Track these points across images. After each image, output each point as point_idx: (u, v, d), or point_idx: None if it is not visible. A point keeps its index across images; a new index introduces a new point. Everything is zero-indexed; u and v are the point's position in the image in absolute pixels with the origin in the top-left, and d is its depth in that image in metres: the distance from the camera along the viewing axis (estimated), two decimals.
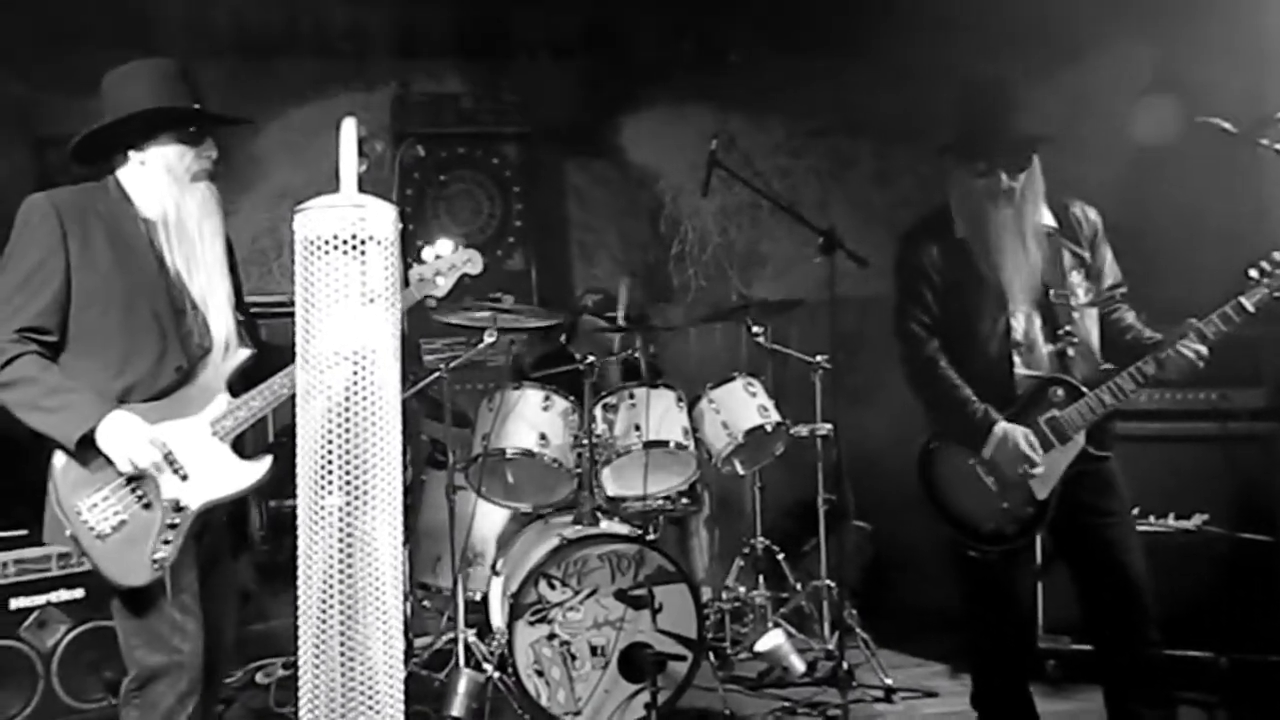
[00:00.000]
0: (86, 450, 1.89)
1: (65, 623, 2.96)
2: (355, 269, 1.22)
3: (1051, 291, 2.29)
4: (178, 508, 1.93)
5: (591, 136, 4.86)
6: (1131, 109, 2.23)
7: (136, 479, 1.92)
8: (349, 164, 1.30)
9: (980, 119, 2.30)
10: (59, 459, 1.92)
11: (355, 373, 1.21)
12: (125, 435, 1.89)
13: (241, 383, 2.03)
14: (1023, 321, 2.31)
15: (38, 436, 1.90)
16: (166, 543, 1.91)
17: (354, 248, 1.21)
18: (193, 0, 4.39)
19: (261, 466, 2.01)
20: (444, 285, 2.26)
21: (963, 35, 4.14)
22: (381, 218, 1.23)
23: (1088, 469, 2.28)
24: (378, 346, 1.22)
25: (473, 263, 2.32)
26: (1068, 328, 2.30)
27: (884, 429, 3.75)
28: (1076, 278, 2.33)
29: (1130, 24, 3.18)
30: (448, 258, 2.27)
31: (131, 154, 2.02)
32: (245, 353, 2.05)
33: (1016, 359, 2.30)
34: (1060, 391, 2.28)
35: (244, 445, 2.02)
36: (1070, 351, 2.29)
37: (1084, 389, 2.26)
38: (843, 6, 4.64)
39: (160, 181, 2.00)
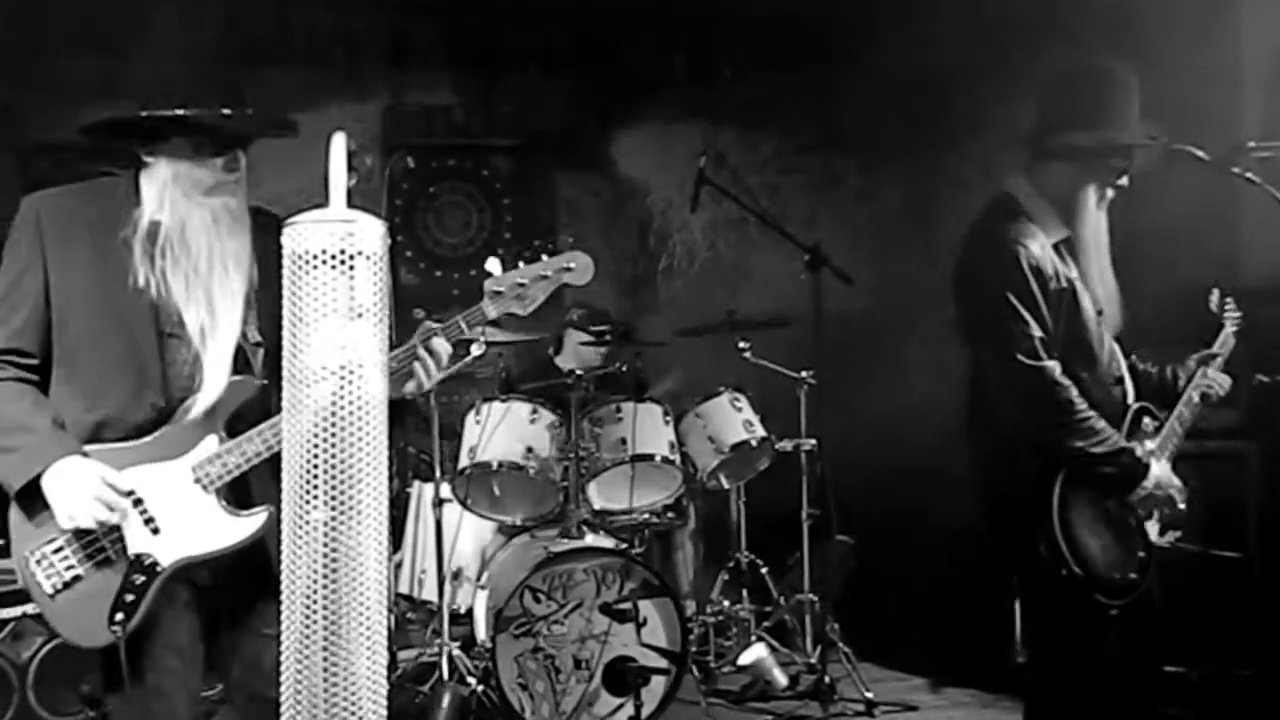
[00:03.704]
0: (33, 498, 1.68)
1: (41, 635, 2.93)
2: (343, 284, 1.23)
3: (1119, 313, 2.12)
4: (144, 565, 1.69)
5: (582, 149, 4.89)
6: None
7: (95, 530, 1.69)
8: (338, 178, 1.31)
9: (1108, 113, 2.01)
10: (14, 505, 1.71)
11: (341, 387, 1.21)
12: (71, 486, 1.65)
13: (259, 419, 1.73)
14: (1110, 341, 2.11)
15: None
16: (130, 603, 1.67)
17: (342, 263, 1.21)
18: (183, 7, 4.40)
19: (253, 523, 1.71)
20: (532, 300, 1.87)
21: (948, 55, 4.20)
22: (370, 232, 1.24)
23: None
24: (364, 361, 1.23)
25: (577, 270, 1.88)
26: (1132, 354, 2.16)
27: (867, 444, 3.78)
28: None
29: (1107, 47, 3.24)
30: (536, 266, 1.87)
31: (141, 153, 1.79)
32: (244, 383, 1.75)
33: (1128, 385, 2.11)
34: (1150, 422, 2.11)
35: (250, 491, 1.74)
36: (1137, 380, 2.15)
37: (1160, 418, 2.12)
38: (833, 25, 4.70)
39: (165, 190, 1.76)
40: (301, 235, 1.21)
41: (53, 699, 2.93)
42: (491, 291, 1.86)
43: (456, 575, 3.42)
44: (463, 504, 3.25)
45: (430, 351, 1.79)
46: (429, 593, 3.46)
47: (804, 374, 3.69)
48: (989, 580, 3.48)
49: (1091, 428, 2.01)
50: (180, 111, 1.75)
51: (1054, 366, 2.01)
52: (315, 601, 1.20)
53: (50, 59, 4.09)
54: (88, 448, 1.71)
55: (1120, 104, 2.03)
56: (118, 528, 1.69)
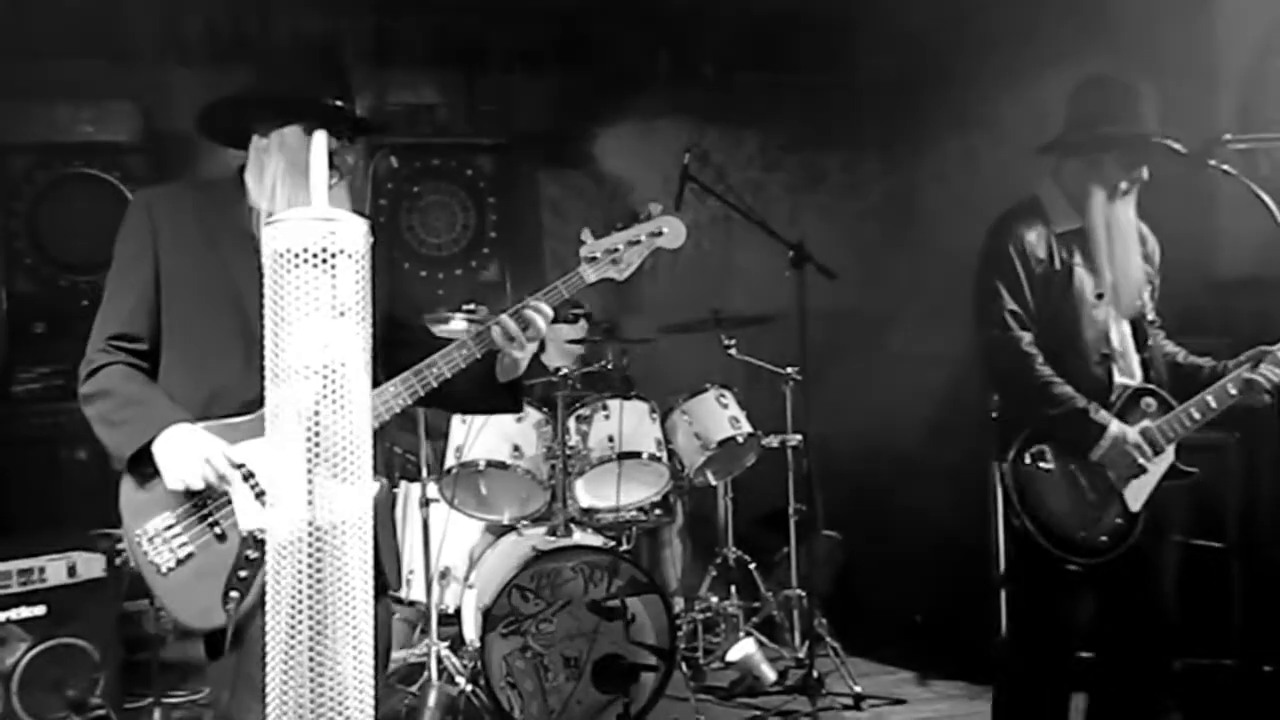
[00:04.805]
0: (146, 471, 1.68)
1: (25, 641, 2.90)
2: (325, 282, 1.22)
3: (1139, 301, 2.25)
4: (257, 540, 1.66)
5: (566, 148, 4.88)
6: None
7: (206, 505, 1.69)
8: (319, 177, 1.31)
9: (1117, 108, 2.16)
10: (125, 481, 1.72)
11: (324, 386, 1.21)
12: (181, 451, 1.65)
13: None
14: (1117, 326, 2.24)
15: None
16: (243, 579, 1.66)
17: (324, 261, 1.21)
18: (164, 7, 4.36)
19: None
20: (628, 264, 1.90)
21: (925, 53, 4.23)
22: (352, 231, 1.24)
23: (1170, 485, 2.23)
24: (347, 360, 1.23)
25: (669, 235, 1.90)
26: (1151, 340, 2.26)
27: (853, 439, 3.80)
28: (1145, 293, 2.28)
29: (1086, 42, 3.27)
30: (629, 231, 1.91)
31: (256, 138, 1.81)
32: None
33: (1114, 365, 2.23)
34: (1153, 403, 2.22)
35: None
36: (1154, 363, 2.26)
37: (1173, 402, 2.22)
38: (814, 24, 4.71)
39: (278, 170, 1.78)
40: (283, 233, 1.21)
41: (38, 705, 2.91)
42: (586, 257, 1.90)
43: (444, 575, 3.42)
44: (450, 504, 3.25)
45: (538, 312, 1.84)
46: (417, 593, 3.45)
47: (790, 370, 3.70)
48: (975, 573, 3.52)
49: (1050, 393, 2.17)
50: (303, 94, 1.78)
51: (1023, 337, 2.20)
52: (301, 601, 1.20)
53: (29, 61, 4.04)
54: (199, 424, 1.71)
55: (1131, 108, 2.17)
56: (229, 503, 1.69)
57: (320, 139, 1.35)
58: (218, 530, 1.70)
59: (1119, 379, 2.23)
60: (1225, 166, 2.16)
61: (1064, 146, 2.25)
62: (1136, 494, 2.20)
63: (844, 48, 4.61)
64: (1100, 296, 2.20)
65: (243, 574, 1.66)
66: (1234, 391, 2.18)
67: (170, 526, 1.69)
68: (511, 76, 4.85)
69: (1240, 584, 3.01)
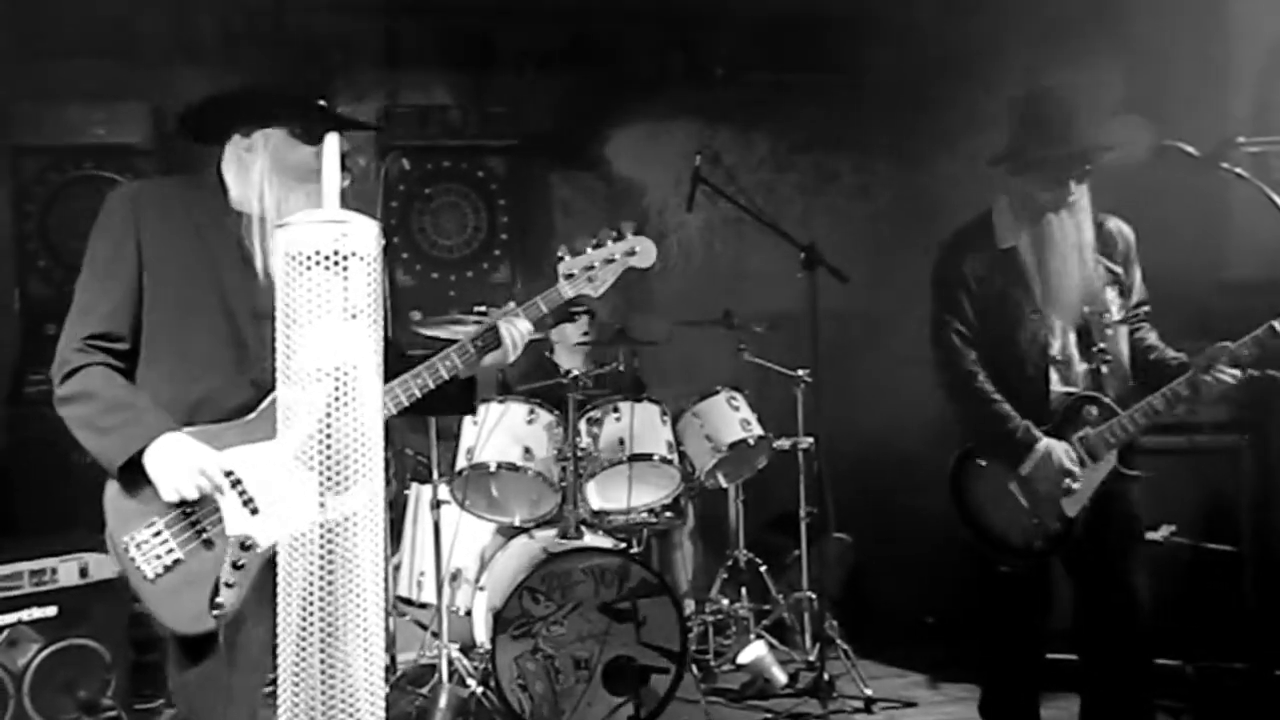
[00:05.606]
0: (135, 478, 1.67)
1: (37, 641, 2.91)
2: (338, 285, 1.22)
3: (1088, 307, 2.28)
4: (245, 546, 1.67)
5: (578, 149, 4.88)
6: (1100, 130, 2.26)
7: (194, 512, 1.69)
8: (331, 179, 1.31)
9: (1046, 127, 2.23)
10: (111, 487, 1.71)
11: (336, 388, 1.21)
12: (174, 460, 1.65)
13: None
14: (1061, 336, 2.29)
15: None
16: (229, 586, 1.66)
17: (336, 263, 1.21)
18: (176, 8, 4.39)
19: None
20: (603, 281, 2.00)
21: (936, 55, 4.21)
22: (364, 233, 1.24)
23: (1115, 487, 2.28)
24: (359, 362, 1.23)
25: (640, 254, 2.03)
26: (1102, 345, 2.29)
27: (864, 442, 3.79)
28: (1110, 294, 2.30)
29: (1097, 43, 3.26)
30: (604, 249, 2.01)
31: (237, 138, 1.80)
32: None
33: (1054, 375, 2.28)
34: (1094, 410, 2.26)
35: None
36: (1104, 369, 2.28)
37: (1117, 408, 2.25)
38: (826, 25, 4.71)
39: (263, 173, 1.77)
40: (295, 236, 1.21)
41: (49, 705, 2.92)
42: (564, 274, 2.00)
43: (455, 577, 3.42)
44: (461, 505, 3.25)
45: (513, 330, 1.93)
46: (428, 595, 3.45)
47: (801, 372, 3.69)
48: (984, 575, 3.50)
49: (986, 411, 2.27)
50: (287, 93, 1.81)
51: (969, 355, 2.30)
52: (312, 604, 1.20)
53: (41, 62, 4.08)
54: (185, 430, 1.71)
55: (1067, 120, 2.23)
56: (216, 510, 1.70)
57: (333, 141, 1.36)
58: (205, 537, 1.70)
59: (1059, 388, 2.28)
60: (1238, 169, 2.15)
61: (1003, 162, 2.31)
62: (1074, 501, 2.25)
63: (853, 48, 4.60)
64: (1036, 313, 2.27)
65: (230, 581, 1.67)
66: (1185, 394, 2.19)
67: (158, 534, 1.69)
68: (522, 78, 4.86)
69: (1252, 587, 2.99)
